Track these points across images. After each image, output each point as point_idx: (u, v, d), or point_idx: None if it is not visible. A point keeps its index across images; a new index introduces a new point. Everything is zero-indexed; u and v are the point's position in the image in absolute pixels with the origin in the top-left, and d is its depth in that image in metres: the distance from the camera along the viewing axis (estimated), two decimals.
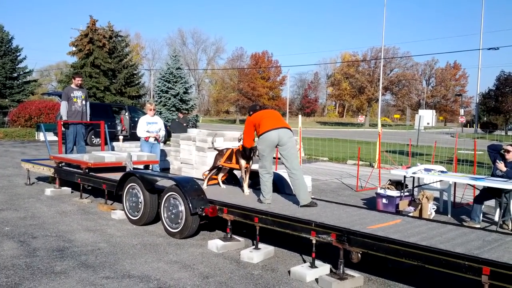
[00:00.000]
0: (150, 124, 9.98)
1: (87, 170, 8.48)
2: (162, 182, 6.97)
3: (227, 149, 7.33)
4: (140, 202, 6.84)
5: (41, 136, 23.70)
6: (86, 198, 8.74)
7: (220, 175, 7.58)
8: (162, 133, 10.24)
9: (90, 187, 8.68)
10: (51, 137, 22.98)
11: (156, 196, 6.78)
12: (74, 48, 39.06)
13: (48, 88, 73.21)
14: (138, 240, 6.15)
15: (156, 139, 10.03)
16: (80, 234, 6.39)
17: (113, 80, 38.54)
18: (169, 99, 28.41)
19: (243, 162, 6.85)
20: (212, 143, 8.13)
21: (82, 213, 7.65)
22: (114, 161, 8.71)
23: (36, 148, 18.81)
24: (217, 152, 7.47)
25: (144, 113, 10.28)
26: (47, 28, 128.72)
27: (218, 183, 7.53)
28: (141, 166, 9.04)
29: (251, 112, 6.54)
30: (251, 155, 6.82)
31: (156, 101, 29.10)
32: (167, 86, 28.58)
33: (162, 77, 29.25)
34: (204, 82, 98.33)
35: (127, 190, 7.14)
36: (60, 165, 9.39)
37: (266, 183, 6.28)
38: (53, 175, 9.48)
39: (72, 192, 9.31)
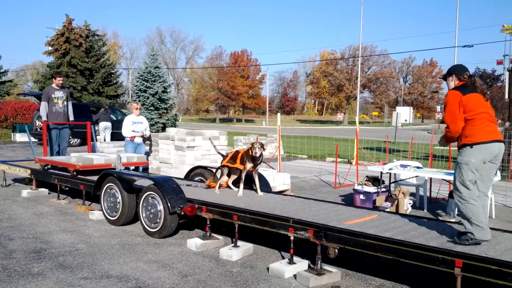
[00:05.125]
0: (135, 124, 9.83)
1: (75, 173, 8.22)
2: (140, 182, 6.95)
3: (231, 151, 7.13)
4: (118, 202, 6.80)
5: (17, 137, 23.36)
6: (63, 199, 8.65)
7: (231, 179, 7.19)
8: (148, 133, 10.12)
9: (67, 188, 8.59)
10: (26, 138, 22.71)
11: (134, 196, 6.74)
12: (50, 48, 38.57)
13: (24, 89, 71.99)
14: (116, 240, 6.13)
15: (144, 138, 9.89)
16: (57, 235, 6.33)
17: (91, 80, 38.12)
18: (148, 98, 28.23)
19: (248, 166, 6.58)
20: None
21: (60, 214, 7.57)
22: (103, 163, 8.44)
23: (12, 149, 18.52)
24: (222, 157, 7.24)
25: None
26: (22, 28, 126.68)
27: (229, 187, 7.18)
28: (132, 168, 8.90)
29: (457, 80, 4.82)
30: (259, 162, 6.61)
31: (135, 100, 28.87)
32: (146, 85, 28.39)
33: (140, 76, 29.05)
34: (183, 81, 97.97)
35: (105, 190, 7.09)
36: (46, 167, 9.14)
37: (478, 211, 4.50)
38: (29, 176, 9.36)
39: (49, 193, 9.20)
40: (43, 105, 10.58)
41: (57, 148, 10.63)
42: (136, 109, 10.02)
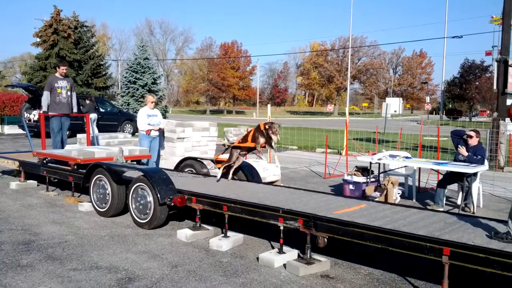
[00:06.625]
0: (151, 117, 9.45)
1: (75, 167, 7.94)
2: (130, 173, 6.91)
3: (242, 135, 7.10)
4: (108, 194, 6.78)
5: (5, 129, 23.16)
6: (52, 191, 8.59)
7: (233, 168, 7.07)
8: (163, 126, 9.89)
9: (56, 180, 8.52)
10: (14, 130, 22.55)
11: (123, 187, 6.72)
12: (38, 39, 38.24)
13: (12, 80, 71.21)
14: (106, 232, 6.11)
15: (161, 132, 9.66)
16: (46, 227, 6.30)
17: (79, 71, 37.87)
18: (137, 89, 28.07)
19: (262, 141, 6.63)
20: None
21: (49, 206, 7.54)
22: (105, 156, 8.12)
23: (0, 142, 18.35)
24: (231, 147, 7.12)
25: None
26: (10, 19, 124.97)
27: (227, 176, 7.06)
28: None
29: None
30: (269, 139, 6.61)
31: (124, 91, 28.72)
32: (135, 76, 28.22)
33: (129, 67, 28.87)
34: (173, 73, 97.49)
35: (94, 182, 7.06)
36: (45, 161, 8.83)
37: None
38: (18, 168, 9.28)
39: (38, 185, 9.14)
40: (45, 95, 10.10)
41: (60, 139, 10.27)
42: (152, 102, 9.59)
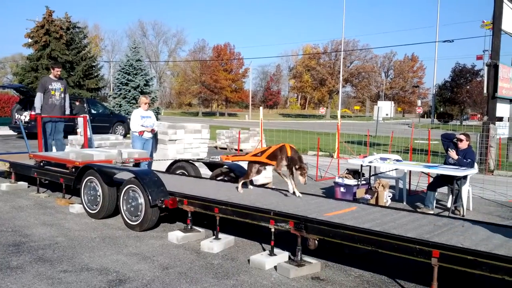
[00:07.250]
0: (144, 118, 9.39)
1: (73, 170, 7.72)
2: (121, 175, 6.90)
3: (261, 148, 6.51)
4: (99, 196, 6.75)
5: None
6: (43, 192, 8.56)
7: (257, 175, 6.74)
8: (156, 128, 9.81)
9: (47, 181, 8.47)
10: (5, 131, 22.41)
11: (115, 189, 6.70)
12: (30, 40, 38.13)
13: (3, 81, 70.80)
14: (97, 234, 6.10)
15: (154, 133, 9.61)
16: (37, 228, 6.28)
17: (71, 73, 37.73)
18: (129, 91, 28.01)
19: (284, 163, 6.16)
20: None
21: (39, 208, 7.50)
22: (104, 159, 7.96)
23: None
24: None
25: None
26: (1, 19, 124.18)
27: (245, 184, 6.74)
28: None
29: None
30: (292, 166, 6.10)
31: (116, 93, 28.66)
32: (127, 78, 28.16)
33: (121, 69, 28.79)
34: (165, 75, 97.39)
35: (85, 183, 7.03)
36: (42, 164, 8.66)
37: None
38: (8, 170, 9.22)
39: (28, 186, 9.10)
40: (39, 97, 9.95)
41: (51, 142, 10.14)
42: (145, 103, 9.51)
